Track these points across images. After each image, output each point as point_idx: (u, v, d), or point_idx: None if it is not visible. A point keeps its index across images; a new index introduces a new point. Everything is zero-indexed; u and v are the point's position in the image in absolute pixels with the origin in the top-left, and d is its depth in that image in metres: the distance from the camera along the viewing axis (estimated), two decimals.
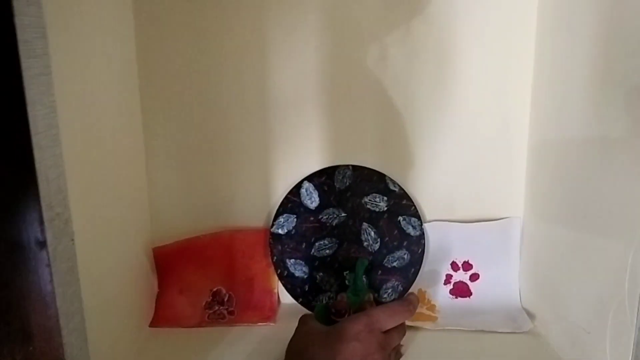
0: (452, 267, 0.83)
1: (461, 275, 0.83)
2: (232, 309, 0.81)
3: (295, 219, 0.80)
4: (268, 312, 0.81)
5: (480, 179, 0.81)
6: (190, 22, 0.76)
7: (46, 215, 0.43)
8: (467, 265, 0.83)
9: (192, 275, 0.82)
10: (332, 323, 0.62)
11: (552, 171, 0.72)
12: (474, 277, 0.83)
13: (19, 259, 0.43)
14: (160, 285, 0.82)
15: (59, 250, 0.45)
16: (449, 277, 0.83)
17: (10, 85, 0.39)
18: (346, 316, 0.66)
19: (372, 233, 0.80)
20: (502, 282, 0.82)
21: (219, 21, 0.76)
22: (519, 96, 0.78)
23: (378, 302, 0.75)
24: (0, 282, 0.43)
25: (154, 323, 0.79)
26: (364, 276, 0.75)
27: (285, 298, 0.82)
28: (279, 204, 0.80)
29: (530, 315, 0.78)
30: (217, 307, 0.81)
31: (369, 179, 0.80)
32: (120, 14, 0.73)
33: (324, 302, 0.79)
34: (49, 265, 0.44)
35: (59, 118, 0.45)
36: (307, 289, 0.80)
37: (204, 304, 0.81)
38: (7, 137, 0.41)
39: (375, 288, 0.80)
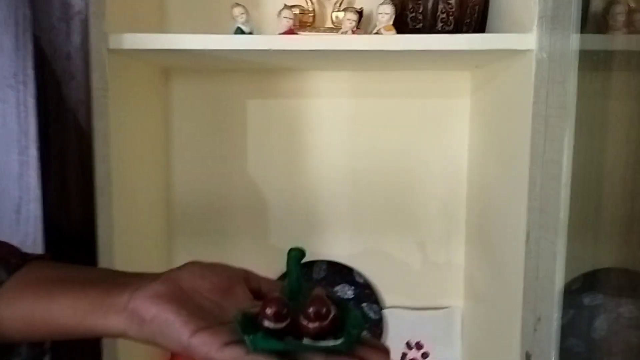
0: (407, 346, 1.02)
1: (414, 353, 1.02)
2: None
3: None
4: None
5: (428, 271, 1.02)
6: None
7: None
8: (418, 345, 1.02)
9: None
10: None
11: (488, 260, 0.93)
12: (425, 355, 1.01)
13: None
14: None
15: None
16: (404, 355, 1.02)
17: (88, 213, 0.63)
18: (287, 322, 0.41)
19: None
20: None
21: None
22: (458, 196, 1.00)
23: (333, 301, 0.43)
24: None
25: None
26: (298, 270, 0.47)
27: None
28: None
29: None
30: None
31: (340, 272, 1.01)
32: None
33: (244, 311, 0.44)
34: None
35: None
36: None
37: None
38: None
39: None
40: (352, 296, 1.00)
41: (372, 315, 1.00)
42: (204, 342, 0.41)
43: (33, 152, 0.64)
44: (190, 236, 1.01)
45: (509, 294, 0.75)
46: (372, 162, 1.00)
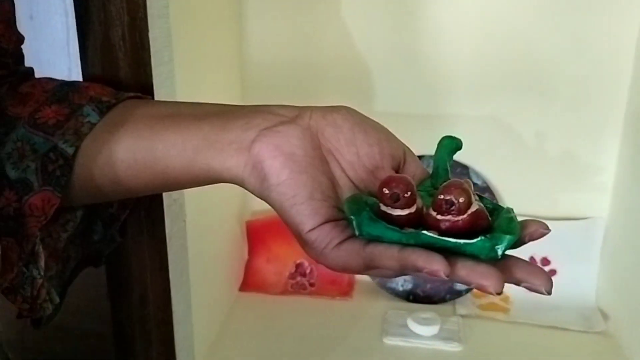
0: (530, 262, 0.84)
1: None
2: (313, 281, 0.88)
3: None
4: (346, 287, 0.86)
5: (565, 174, 0.82)
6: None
7: (166, 201, 0.50)
8: (545, 261, 0.84)
9: (279, 247, 0.88)
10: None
11: None
12: (551, 273, 0.84)
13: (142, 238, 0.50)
14: (250, 254, 0.89)
15: (174, 230, 0.52)
16: None
17: (143, 89, 0.46)
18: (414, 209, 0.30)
19: None
20: (579, 280, 0.83)
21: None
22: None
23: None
24: (125, 261, 0.50)
25: (243, 287, 0.87)
26: (448, 163, 0.38)
27: (363, 275, 0.87)
28: None
29: (605, 316, 0.79)
30: (299, 278, 0.88)
31: (452, 171, 0.82)
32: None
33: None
34: (165, 244, 0.51)
35: None
36: None
37: (287, 274, 0.88)
38: None
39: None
40: None
41: None
42: (322, 237, 0.32)
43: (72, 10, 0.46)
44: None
45: None
46: (509, 23, 0.77)
